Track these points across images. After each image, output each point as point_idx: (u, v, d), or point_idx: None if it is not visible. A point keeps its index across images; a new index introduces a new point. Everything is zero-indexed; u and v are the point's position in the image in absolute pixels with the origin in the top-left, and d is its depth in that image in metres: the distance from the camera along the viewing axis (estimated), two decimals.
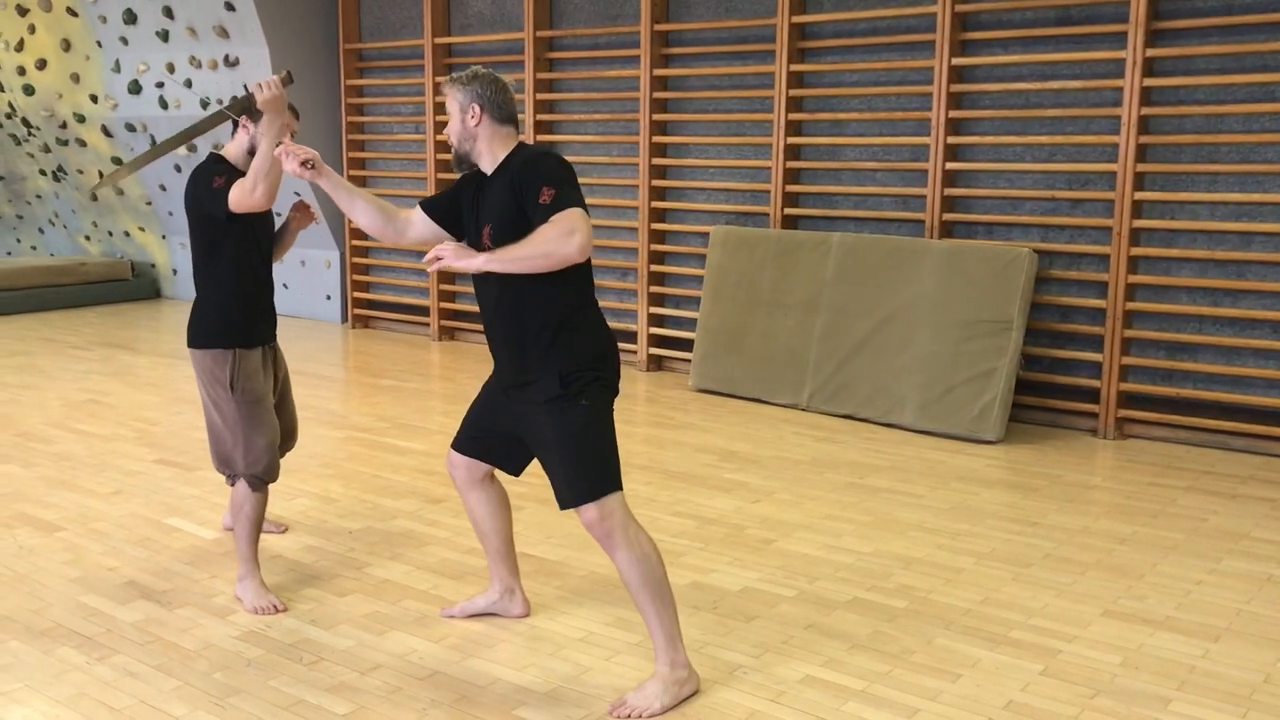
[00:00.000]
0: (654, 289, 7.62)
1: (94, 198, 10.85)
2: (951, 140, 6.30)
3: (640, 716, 2.98)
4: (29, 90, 10.24)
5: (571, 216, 2.87)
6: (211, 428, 3.82)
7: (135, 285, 10.98)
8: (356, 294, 9.50)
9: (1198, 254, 5.71)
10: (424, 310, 9.11)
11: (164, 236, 10.85)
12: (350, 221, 9.26)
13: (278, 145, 3.33)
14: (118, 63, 9.60)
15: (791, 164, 6.93)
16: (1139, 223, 5.82)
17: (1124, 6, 5.78)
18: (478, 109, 3.07)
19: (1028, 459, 5.58)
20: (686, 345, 7.45)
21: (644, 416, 6.46)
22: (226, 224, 3.61)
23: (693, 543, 4.34)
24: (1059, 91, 6.02)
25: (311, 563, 4.12)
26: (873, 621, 3.61)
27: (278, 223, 4.02)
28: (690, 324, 7.42)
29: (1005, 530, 4.51)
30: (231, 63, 8.94)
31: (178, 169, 9.86)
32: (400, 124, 9.05)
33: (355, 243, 9.41)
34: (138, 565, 4.08)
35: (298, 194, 8.20)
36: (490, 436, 3.34)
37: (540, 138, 7.99)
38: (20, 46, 10.03)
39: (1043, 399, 6.18)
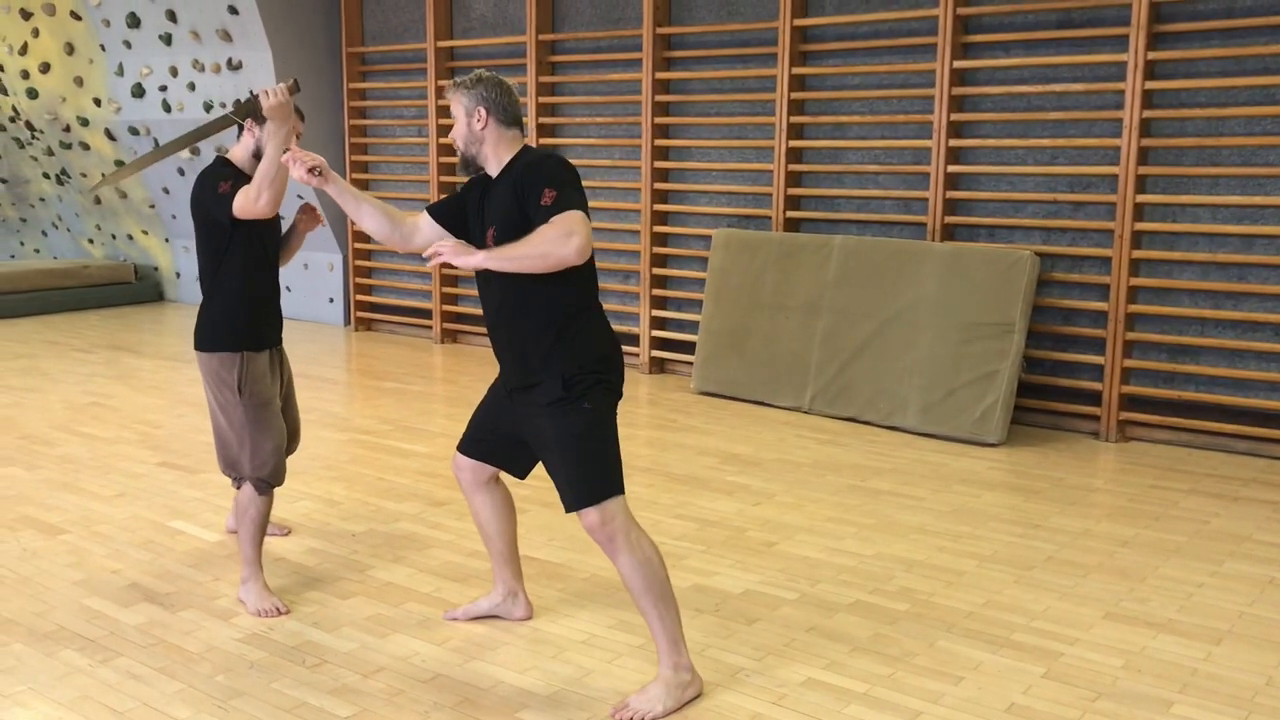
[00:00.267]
0: (656, 292, 7.63)
1: (97, 200, 10.86)
2: (953, 143, 6.31)
3: (643, 719, 2.99)
4: (33, 94, 10.26)
5: (571, 219, 2.87)
6: (218, 431, 3.83)
7: (138, 288, 11.00)
8: (359, 297, 9.51)
9: (1199, 257, 5.72)
10: (426, 313, 9.12)
11: (167, 240, 10.87)
12: (353, 224, 9.29)
13: (285, 152, 3.33)
14: (121, 66, 9.62)
15: (793, 167, 6.93)
16: (1141, 225, 5.82)
17: (1125, 9, 5.78)
18: (483, 112, 3.07)
19: (1030, 462, 5.58)
20: (688, 348, 7.45)
21: (646, 419, 6.47)
22: (232, 229, 3.62)
23: (694, 545, 4.34)
24: (1061, 94, 6.03)
25: (314, 565, 4.13)
26: (874, 624, 3.62)
27: (284, 226, 4.02)
28: (692, 326, 7.43)
29: (1007, 533, 4.51)
30: (235, 66, 8.96)
31: (181, 172, 9.88)
32: (403, 127, 9.06)
33: (358, 245, 9.43)
34: (141, 568, 4.08)
35: (300, 197, 8.22)
36: (495, 439, 3.34)
37: (542, 141, 8.00)
38: (24, 50, 10.05)
39: (1045, 402, 6.19)
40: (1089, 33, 5.91)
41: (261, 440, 3.72)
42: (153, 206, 10.56)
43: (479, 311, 8.63)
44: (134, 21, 9.25)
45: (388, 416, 6.44)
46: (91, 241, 11.53)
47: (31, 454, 5.60)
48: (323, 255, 9.68)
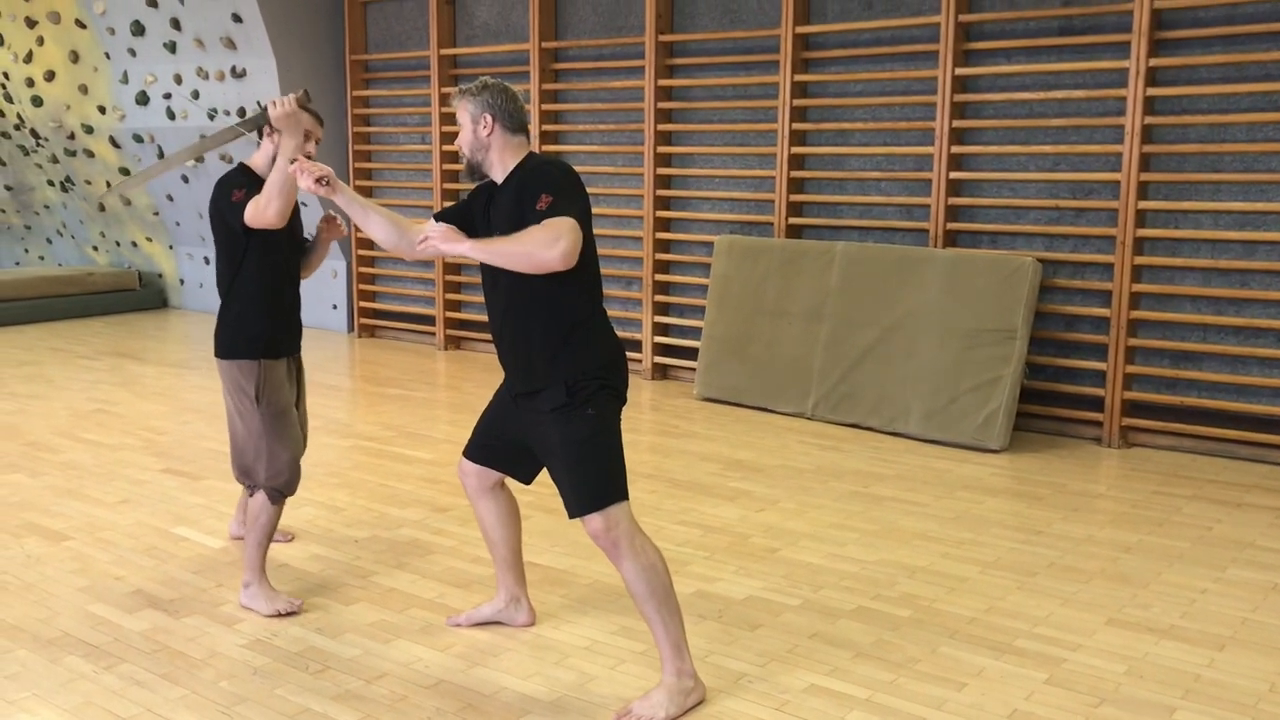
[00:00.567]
0: (659, 298, 7.64)
1: (101, 208, 10.89)
2: (955, 149, 6.32)
3: None
4: (37, 101, 10.29)
5: (561, 224, 2.87)
6: (234, 437, 3.84)
7: (143, 295, 11.02)
8: (363, 303, 9.53)
9: (1201, 263, 5.72)
10: (430, 319, 9.13)
11: (171, 246, 10.89)
12: (358, 231, 9.32)
13: (292, 162, 3.34)
14: (125, 74, 9.65)
15: (796, 173, 6.94)
16: (1143, 231, 5.83)
17: (1127, 16, 5.79)
18: (489, 119, 3.09)
19: (1032, 468, 5.58)
20: (691, 354, 7.46)
21: (649, 425, 6.47)
22: (246, 237, 3.63)
23: (697, 551, 4.35)
24: (1062, 101, 6.04)
25: (318, 571, 4.13)
26: (877, 630, 3.62)
27: (297, 229, 4.01)
28: (695, 333, 7.44)
29: (1010, 539, 4.51)
30: (239, 74, 8.98)
31: (185, 180, 9.91)
32: (407, 134, 9.08)
33: (362, 253, 9.45)
34: (145, 574, 4.09)
35: (304, 204, 8.23)
36: (501, 445, 3.35)
37: (545, 148, 8.02)
38: (29, 58, 10.08)
39: (1047, 408, 6.19)
40: (1090, 39, 5.92)
41: (278, 449, 3.72)
42: (157, 214, 10.58)
43: (482, 318, 8.66)
44: (138, 29, 9.29)
45: (391, 423, 6.45)
46: (96, 249, 11.56)
47: (36, 460, 5.61)
48: (327, 262, 9.68)
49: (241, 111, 9.07)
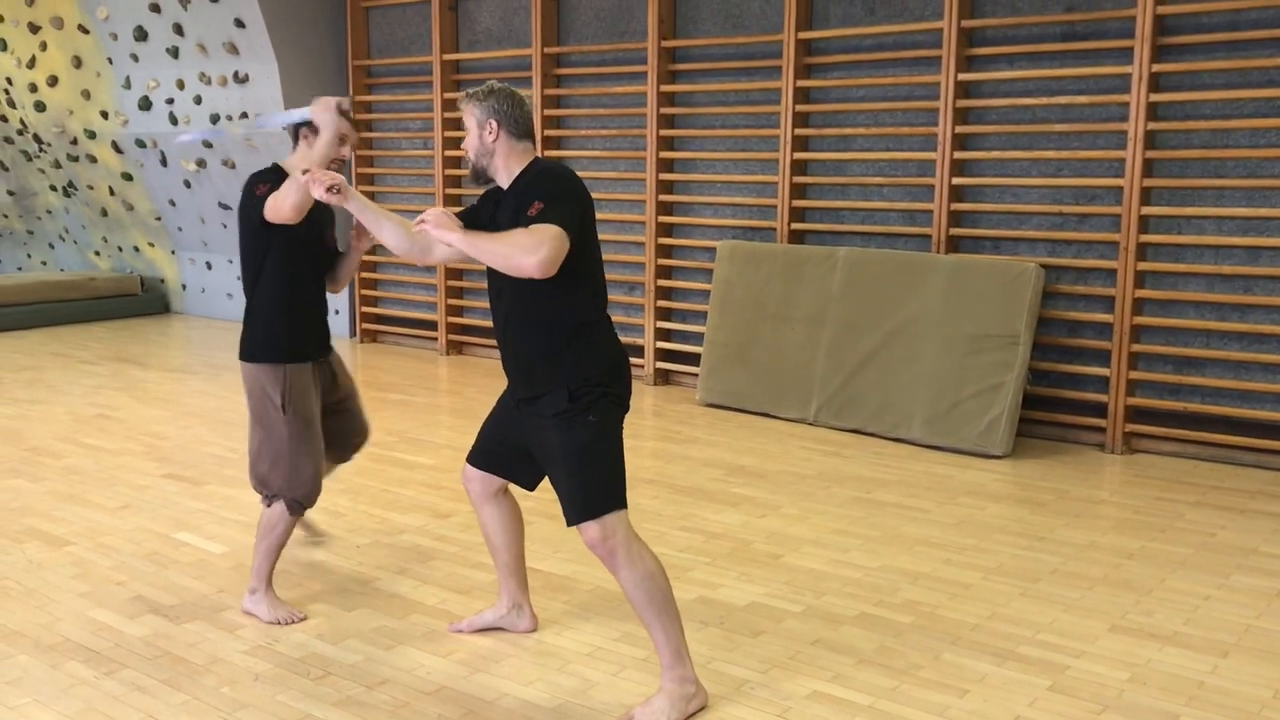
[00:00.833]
0: (661, 303, 7.64)
1: (104, 213, 10.89)
2: (958, 155, 6.31)
3: None
4: (40, 106, 10.30)
5: (545, 232, 2.86)
6: (253, 445, 3.74)
7: (144, 300, 11.02)
8: (365, 308, 9.53)
9: (1205, 269, 5.71)
10: (431, 325, 9.13)
11: (173, 252, 10.90)
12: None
13: (304, 172, 3.34)
14: (128, 79, 9.66)
15: (798, 179, 6.94)
16: (1146, 237, 5.82)
17: (1130, 22, 5.79)
18: (494, 124, 3.09)
19: (1035, 474, 5.57)
20: (694, 359, 7.45)
21: (651, 430, 6.46)
22: (267, 234, 3.62)
23: (699, 557, 4.34)
24: (1065, 107, 6.03)
25: (319, 577, 4.13)
26: (879, 637, 3.61)
27: (329, 236, 4.00)
28: (697, 338, 7.43)
29: (1012, 545, 4.50)
30: (241, 79, 8.99)
31: (187, 185, 9.92)
32: (409, 140, 9.09)
33: (363, 258, 9.43)
34: (146, 580, 4.09)
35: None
36: (504, 450, 3.34)
37: (548, 153, 8.02)
38: (32, 63, 10.10)
39: (1050, 414, 6.18)
40: (1093, 45, 5.91)
41: (302, 461, 3.68)
42: (159, 219, 10.59)
43: (484, 323, 8.66)
44: (141, 35, 9.30)
45: (393, 428, 6.44)
46: (98, 254, 11.56)
47: (37, 466, 5.61)
48: None
49: (243, 117, 9.08)
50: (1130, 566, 4.27)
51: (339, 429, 4.00)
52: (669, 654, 3.05)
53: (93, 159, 10.41)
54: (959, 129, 6.29)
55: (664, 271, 7.65)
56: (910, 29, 6.45)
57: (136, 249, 11.16)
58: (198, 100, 9.33)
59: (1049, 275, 6.05)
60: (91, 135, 10.18)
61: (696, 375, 7.28)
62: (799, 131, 6.89)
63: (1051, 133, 6.09)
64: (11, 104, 10.55)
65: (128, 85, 9.69)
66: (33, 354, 8.80)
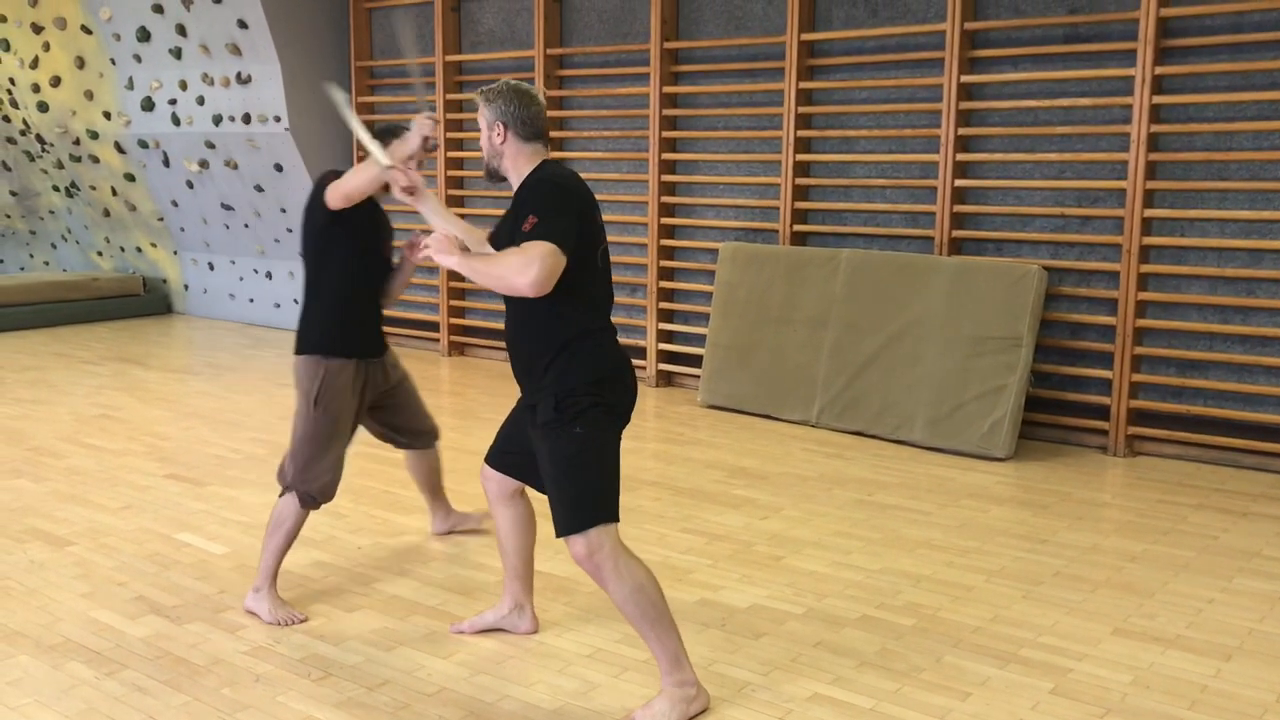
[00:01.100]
0: (663, 305, 7.64)
1: (106, 213, 10.89)
2: (961, 157, 6.31)
3: None
4: (43, 107, 10.31)
5: (537, 250, 2.85)
6: (291, 435, 3.87)
7: (147, 301, 11.03)
8: None
9: (1208, 271, 5.71)
10: (434, 326, 9.13)
11: (175, 252, 10.90)
12: None
13: (390, 168, 3.45)
14: (131, 80, 9.67)
15: (801, 181, 6.94)
16: (1149, 240, 5.81)
17: (1133, 24, 5.79)
18: (502, 126, 3.09)
19: (1037, 476, 5.57)
20: (696, 361, 7.45)
21: (653, 432, 6.46)
22: (332, 232, 3.71)
23: (701, 559, 4.33)
24: (1068, 109, 6.03)
25: (320, 578, 4.12)
26: (881, 639, 3.60)
27: (386, 248, 4.07)
28: (699, 340, 7.43)
29: (1015, 548, 4.50)
30: (244, 80, 9.00)
31: (190, 186, 9.92)
32: None
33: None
34: (147, 580, 4.09)
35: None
36: (517, 452, 3.34)
37: (551, 154, 8.01)
38: (35, 64, 10.10)
39: (1053, 416, 6.17)
40: (1096, 47, 5.91)
41: (320, 457, 3.76)
42: (161, 219, 10.60)
43: (486, 324, 8.66)
44: (144, 36, 9.30)
45: None
46: (100, 254, 11.57)
47: (39, 466, 5.61)
48: None
49: (246, 118, 9.08)
50: (1133, 569, 4.27)
51: (401, 416, 4.18)
52: (666, 660, 3.05)
53: (95, 159, 10.42)
54: (962, 131, 6.29)
55: (666, 273, 7.65)
56: (913, 31, 6.45)
57: (139, 249, 11.17)
58: (200, 101, 9.33)
59: (1051, 277, 6.05)
60: (94, 136, 10.18)
61: (698, 377, 7.28)
62: (801, 133, 6.89)
63: (1054, 135, 6.09)
64: (14, 104, 10.56)
65: (130, 86, 9.69)
66: (35, 354, 8.80)
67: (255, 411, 6.83)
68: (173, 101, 9.51)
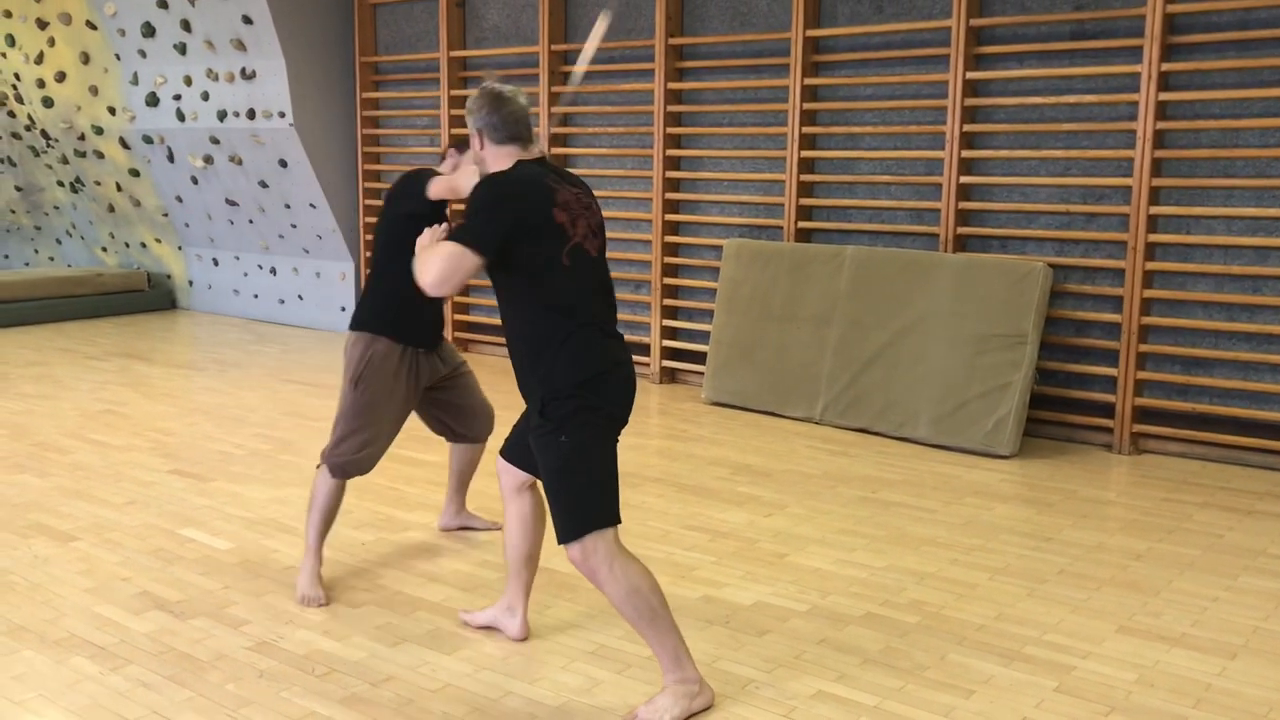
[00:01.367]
0: (667, 301, 7.63)
1: (110, 209, 10.90)
2: (966, 154, 6.30)
3: None
4: (48, 102, 10.32)
5: (442, 249, 2.89)
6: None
7: (151, 296, 11.04)
8: None
9: (1213, 269, 5.69)
10: None
11: (180, 248, 10.91)
12: (364, 233, 9.31)
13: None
14: (136, 75, 9.67)
15: (805, 177, 6.93)
16: (1154, 237, 5.80)
17: (1139, 21, 5.77)
18: (479, 134, 3.13)
19: (1042, 474, 5.56)
20: (699, 358, 7.45)
21: (656, 429, 6.46)
22: (412, 222, 3.70)
23: (705, 556, 4.33)
24: (1074, 106, 6.01)
25: (324, 574, 4.11)
26: (885, 637, 3.60)
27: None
28: (703, 336, 7.42)
29: (1019, 545, 4.49)
30: (249, 75, 9.00)
31: (194, 181, 9.92)
32: (415, 136, 9.08)
33: (369, 255, 9.44)
34: (151, 576, 4.09)
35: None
36: (526, 446, 3.34)
37: (555, 150, 8.01)
38: (40, 59, 10.11)
39: (1057, 414, 6.16)
40: (1102, 44, 5.89)
41: (353, 434, 3.86)
42: (166, 215, 10.60)
43: (490, 320, 8.66)
44: (149, 31, 9.31)
45: None
46: (105, 249, 11.58)
47: (43, 461, 5.61)
48: (334, 264, 9.70)
49: (250, 113, 9.08)
50: (1138, 567, 4.26)
51: (450, 411, 4.27)
52: (667, 659, 3.05)
53: (100, 155, 10.43)
54: (967, 128, 6.28)
55: (670, 270, 7.65)
56: (918, 27, 6.43)
57: (143, 245, 11.18)
58: (205, 96, 9.34)
59: (1057, 275, 6.04)
60: (99, 131, 10.19)
61: (702, 374, 7.27)
62: (806, 130, 6.87)
63: (1060, 131, 6.07)
64: (20, 100, 10.57)
65: (135, 81, 9.70)
66: (40, 349, 8.81)
67: (259, 407, 6.83)
68: (177, 97, 9.52)
